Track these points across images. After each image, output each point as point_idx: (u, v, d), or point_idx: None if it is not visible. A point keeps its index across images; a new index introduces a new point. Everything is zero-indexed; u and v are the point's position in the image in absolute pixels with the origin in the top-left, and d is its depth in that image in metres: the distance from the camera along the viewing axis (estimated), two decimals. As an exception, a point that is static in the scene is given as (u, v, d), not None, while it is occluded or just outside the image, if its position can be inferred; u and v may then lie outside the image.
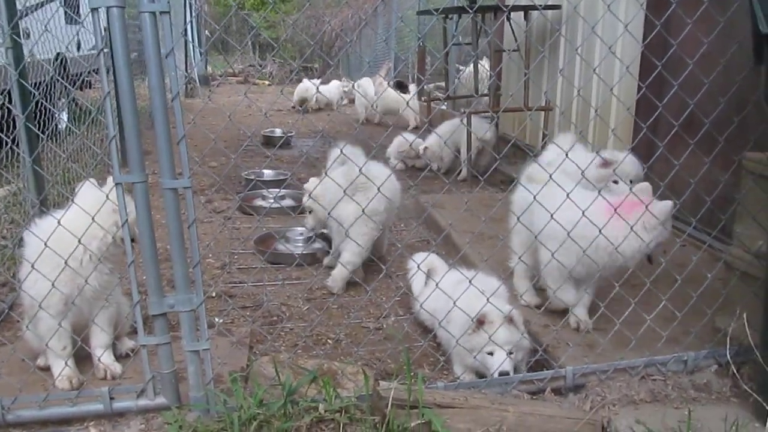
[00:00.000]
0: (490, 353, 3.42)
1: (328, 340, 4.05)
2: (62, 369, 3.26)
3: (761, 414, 2.93)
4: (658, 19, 3.37)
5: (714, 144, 3.37)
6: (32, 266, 3.08)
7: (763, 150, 3.26)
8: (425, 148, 8.51)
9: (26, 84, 4.15)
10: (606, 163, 4.21)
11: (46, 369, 3.35)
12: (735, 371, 3.24)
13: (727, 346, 3.30)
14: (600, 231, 3.45)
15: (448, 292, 3.52)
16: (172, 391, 3.01)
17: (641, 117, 4.32)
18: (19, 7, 4.62)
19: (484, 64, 10.68)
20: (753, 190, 3.34)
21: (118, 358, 3.51)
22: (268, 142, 10.36)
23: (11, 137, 4.19)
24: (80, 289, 3.17)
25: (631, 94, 5.67)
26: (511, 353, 3.42)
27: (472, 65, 10.93)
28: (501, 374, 3.35)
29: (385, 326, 4.25)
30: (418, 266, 4.06)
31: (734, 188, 3.62)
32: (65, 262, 3.05)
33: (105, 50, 2.71)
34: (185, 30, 18.28)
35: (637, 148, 4.09)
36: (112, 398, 3.01)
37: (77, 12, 9.21)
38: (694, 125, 3.42)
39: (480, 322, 3.40)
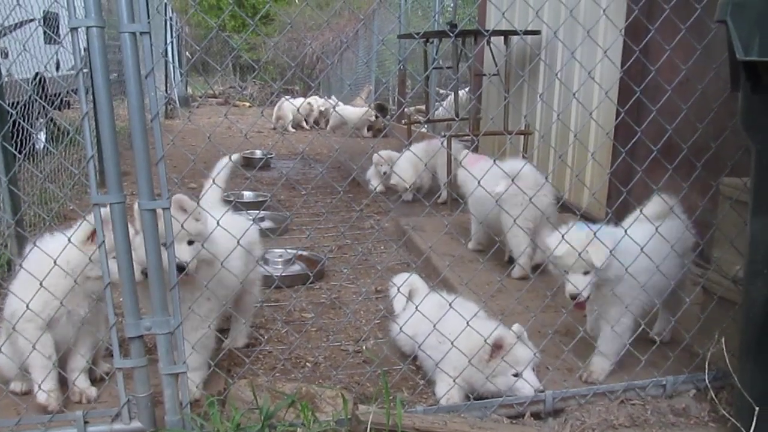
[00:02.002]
0: (516, 375, 3.38)
1: (307, 363, 4.02)
2: (50, 385, 3.20)
3: (739, 439, 2.94)
4: (637, 45, 3.41)
5: (692, 169, 3.40)
6: (6, 288, 3.04)
7: (740, 175, 3.29)
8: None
9: (3, 103, 4.11)
10: None
11: (20, 394, 3.30)
12: (713, 396, 3.25)
13: (706, 371, 3.31)
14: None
15: (430, 315, 3.50)
16: (148, 415, 2.97)
17: (620, 142, 4.35)
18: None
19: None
20: (730, 215, 3.37)
21: (93, 381, 3.46)
22: (248, 163, 10.33)
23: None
24: (56, 312, 3.14)
25: (610, 118, 5.72)
26: (534, 369, 3.42)
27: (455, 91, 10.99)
28: (538, 392, 3.34)
29: (364, 349, 4.22)
30: (398, 289, 4.04)
31: (712, 213, 3.65)
32: (40, 285, 3.01)
33: (84, 70, 2.70)
34: (165, 51, 18.27)
35: (616, 172, 4.11)
36: (86, 422, 2.96)
37: (56, 32, 9.18)
38: (672, 150, 3.45)
39: (498, 347, 3.37)
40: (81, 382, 3.35)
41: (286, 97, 16.34)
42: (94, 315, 3.28)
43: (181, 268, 3.07)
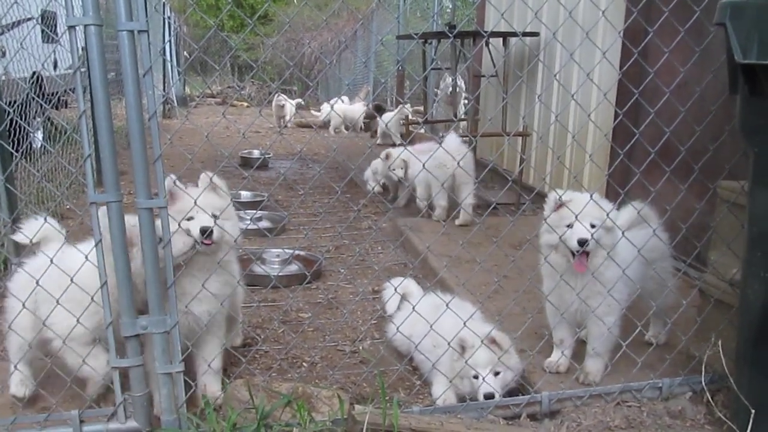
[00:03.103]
0: (476, 377, 3.40)
1: (304, 363, 4.02)
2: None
3: (735, 441, 2.94)
4: (636, 48, 3.41)
5: (689, 172, 3.40)
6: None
7: (737, 178, 3.29)
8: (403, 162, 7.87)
9: (0, 102, 4.10)
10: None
11: (23, 398, 3.31)
12: (710, 398, 3.25)
13: (702, 373, 3.31)
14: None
15: (426, 316, 3.50)
16: (144, 414, 2.96)
17: (618, 143, 4.36)
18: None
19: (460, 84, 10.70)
20: (727, 218, 3.37)
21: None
22: (246, 163, 10.33)
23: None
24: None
25: (608, 120, 5.72)
26: (497, 373, 3.40)
27: (442, 85, 10.95)
28: (485, 396, 3.32)
29: (361, 349, 4.22)
30: (395, 289, 4.04)
31: (709, 216, 3.65)
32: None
33: (82, 69, 2.69)
34: (163, 50, 18.26)
35: (614, 174, 4.12)
36: (81, 421, 2.95)
37: (54, 30, 9.16)
38: (670, 153, 3.45)
39: (462, 348, 3.38)
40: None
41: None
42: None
43: (205, 231, 3.15)
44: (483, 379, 3.37)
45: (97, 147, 2.78)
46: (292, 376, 3.71)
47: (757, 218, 2.85)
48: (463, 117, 9.97)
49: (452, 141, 6.49)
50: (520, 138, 7.41)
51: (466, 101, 11.26)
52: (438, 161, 6.13)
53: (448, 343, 3.38)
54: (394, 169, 7.71)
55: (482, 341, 3.37)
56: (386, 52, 17.06)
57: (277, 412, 2.92)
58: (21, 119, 6.49)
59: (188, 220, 3.15)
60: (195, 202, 3.09)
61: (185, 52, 22.73)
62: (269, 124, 14.64)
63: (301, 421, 2.87)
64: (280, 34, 23.62)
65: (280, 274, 5.42)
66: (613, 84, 5.32)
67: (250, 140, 12.27)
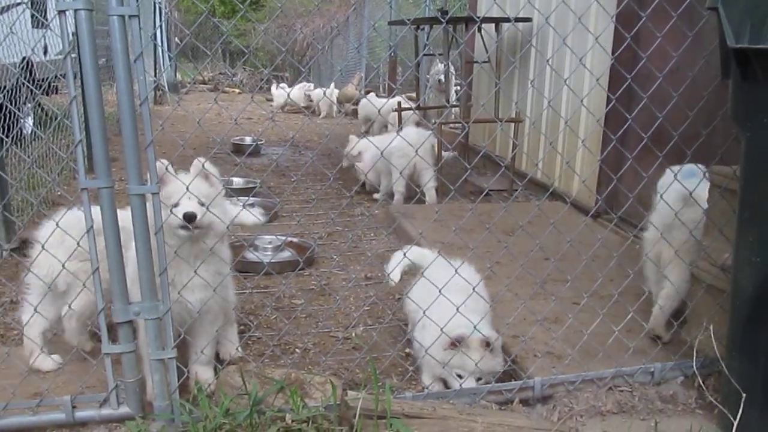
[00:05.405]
0: (459, 376, 3.39)
1: (296, 349, 4.02)
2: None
3: (726, 425, 2.95)
4: (628, 33, 3.41)
5: (682, 157, 3.40)
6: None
7: (729, 164, 3.29)
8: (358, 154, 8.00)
9: (-10, 87, 4.08)
10: None
11: None
12: (701, 383, 3.27)
13: (694, 358, 3.32)
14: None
15: (419, 301, 3.49)
16: (136, 400, 2.97)
17: (611, 129, 4.36)
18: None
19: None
20: (719, 203, 3.37)
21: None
22: (238, 149, 10.30)
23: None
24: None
25: (601, 106, 5.72)
26: (480, 379, 3.37)
27: (433, 71, 10.92)
28: None
29: (353, 336, 4.22)
30: (404, 254, 3.98)
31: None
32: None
33: (72, 55, 2.67)
34: (154, 35, 18.15)
35: (607, 159, 4.12)
36: (74, 407, 2.96)
37: (44, 15, 9.10)
38: (662, 138, 3.45)
39: (454, 344, 3.34)
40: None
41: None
42: None
43: (190, 218, 3.04)
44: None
45: (88, 133, 2.77)
46: (284, 363, 3.71)
47: (749, 203, 2.85)
48: (455, 103, 9.94)
49: (411, 131, 7.18)
50: (513, 124, 7.41)
51: (457, 87, 11.23)
52: (400, 150, 6.76)
53: (441, 329, 3.36)
54: (354, 155, 7.80)
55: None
56: (379, 38, 17.02)
57: (270, 398, 2.92)
58: (11, 105, 6.45)
59: (175, 206, 3.07)
60: (187, 188, 3.08)
61: (176, 38, 22.61)
62: (262, 111, 14.60)
63: (293, 407, 2.87)
64: (271, 19, 23.53)
65: (272, 260, 5.42)
66: (606, 69, 5.32)
67: (242, 127, 12.23)
